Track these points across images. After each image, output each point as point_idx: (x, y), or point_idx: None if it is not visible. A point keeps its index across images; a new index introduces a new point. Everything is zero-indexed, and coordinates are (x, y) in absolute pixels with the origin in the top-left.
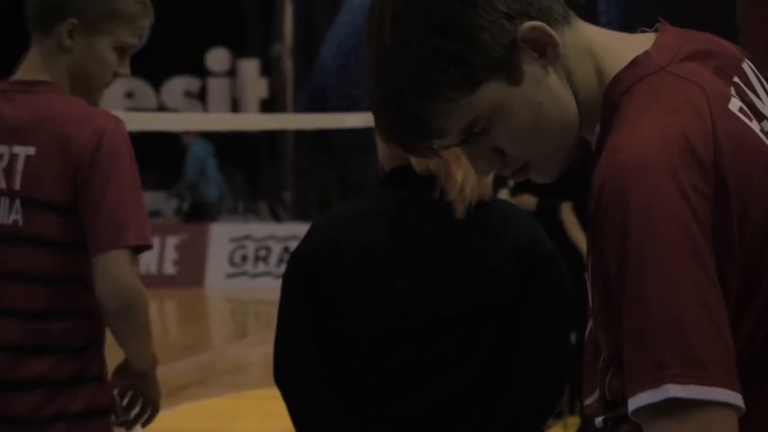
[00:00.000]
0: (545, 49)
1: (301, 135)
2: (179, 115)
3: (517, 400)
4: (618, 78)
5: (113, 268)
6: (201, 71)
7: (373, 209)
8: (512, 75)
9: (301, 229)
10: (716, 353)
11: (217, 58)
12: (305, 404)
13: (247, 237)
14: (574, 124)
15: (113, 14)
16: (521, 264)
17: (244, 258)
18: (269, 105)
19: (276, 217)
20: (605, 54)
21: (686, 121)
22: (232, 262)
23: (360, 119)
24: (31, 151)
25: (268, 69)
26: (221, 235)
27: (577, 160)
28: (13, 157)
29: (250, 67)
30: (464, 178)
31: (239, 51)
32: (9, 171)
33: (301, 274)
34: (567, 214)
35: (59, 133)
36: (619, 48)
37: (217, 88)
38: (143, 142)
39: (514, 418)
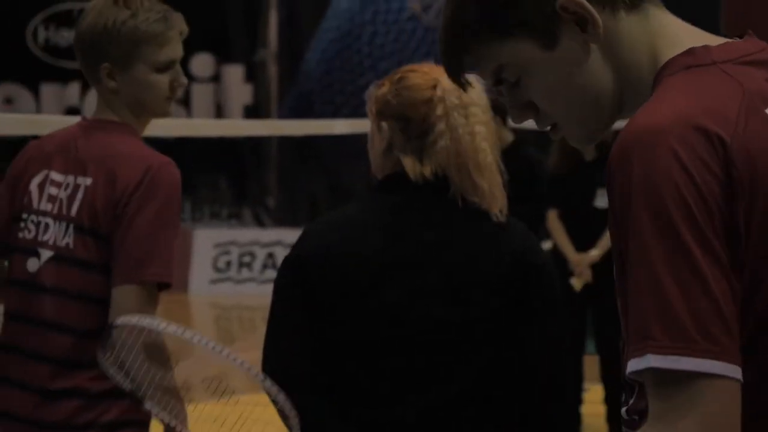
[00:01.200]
0: (586, 26)
1: (285, 141)
2: (167, 120)
3: (510, 405)
4: (669, 63)
5: (124, 302)
6: (185, 76)
7: (367, 215)
8: (546, 40)
9: (285, 234)
10: (706, 324)
11: (201, 63)
12: (298, 410)
13: (231, 243)
14: (604, 103)
15: (137, 43)
16: (514, 271)
17: (228, 264)
18: (253, 111)
19: (260, 223)
20: (668, 42)
21: (709, 106)
22: (216, 268)
23: (348, 126)
24: (89, 182)
25: (253, 74)
26: (205, 240)
27: (561, 168)
28: (76, 186)
29: (234, 72)
30: (491, 185)
31: (223, 56)
32: (71, 198)
33: (294, 279)
34: (552, 221)
35: (111, 169)
36: (685, 39)
37: (201, 93)
38: None
39: (507, 424)
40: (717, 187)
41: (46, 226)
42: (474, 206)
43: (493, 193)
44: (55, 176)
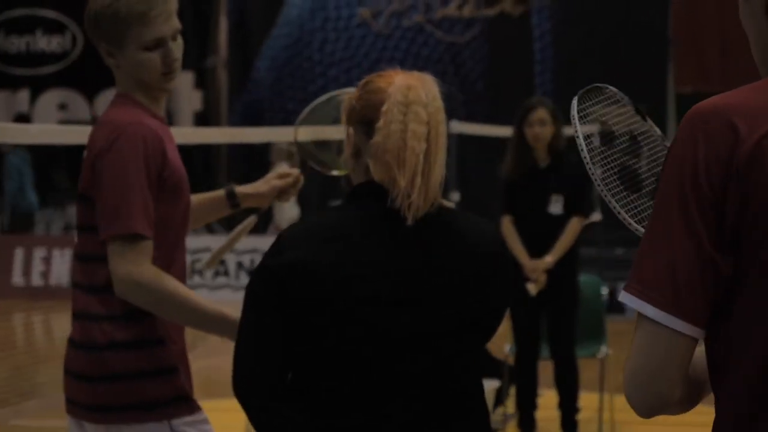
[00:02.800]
0: None
1: (235, 147)
2: None
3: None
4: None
5: (110, 259)
6: (178, 51)
7: (342, 223)
8: None
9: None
10: (666, 279)
11: None
12: (268, 419)
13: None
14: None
15: (123, 24)
16: (485, 266)
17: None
18: (203, 117)
19: (210, 230)
20: None
21: (751, 103)
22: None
23: (303, 133)
24: (85, 153)
25: (203, 81)
26: None
27: (515, 174)
28: (84, 158)
29: (184, 79)
30: (409, 185)
31: None
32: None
33: (269, 287)
34: (506, 227)
35: (92, 136)
36: None
37: None
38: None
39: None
40: (718, 174)
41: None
42: (442, 207)
43: (408, 193)
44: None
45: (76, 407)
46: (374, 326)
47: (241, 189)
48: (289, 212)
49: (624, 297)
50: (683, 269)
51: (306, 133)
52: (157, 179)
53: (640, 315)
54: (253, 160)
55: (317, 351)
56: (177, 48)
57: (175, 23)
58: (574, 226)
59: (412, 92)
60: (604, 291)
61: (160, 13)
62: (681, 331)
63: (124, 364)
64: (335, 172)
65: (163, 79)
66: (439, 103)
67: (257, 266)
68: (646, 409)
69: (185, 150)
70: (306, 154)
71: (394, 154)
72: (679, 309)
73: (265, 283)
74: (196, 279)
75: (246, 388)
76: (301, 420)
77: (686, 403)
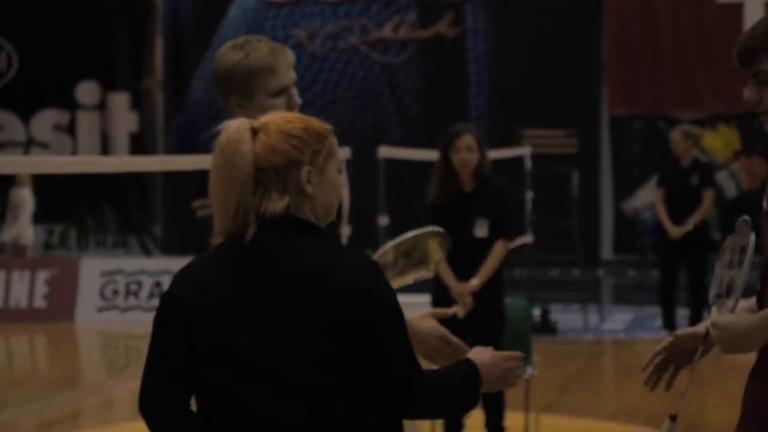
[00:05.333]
0: None
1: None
2: (50, 157)
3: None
4: None
5: None
6: (70, 104)
7: (225, 260)
8: None
9: (171, 263)
10: None
11: (86, 90)
12: None
13: (118, 271)
14: None
15: (255, 75)
16: (349, 306)
17: (115, 292)
18: (139, 139)
19: (147, 252)
20: None
21: None
22: (102, 296)
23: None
24: None
25: (139, 102)
26: (92, 269)
27: (440, 199)
28: None
29: (119, 100)
30: (221, 218)
31: (109, 84)
32: None
33: (169, 315)
34: None
35: None
36: None
37: (86, 121)
38: None
39: None
40: None
41: None
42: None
43: (221, 225)
44: None
45: None
46: (241, 362)
47: None
48: None
49: None
50: None
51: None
52: None
53: None
54: (189, 182)
55: (203, 378)
56: (296, 94)
57: (293, 73)
58: (499, 250)
59: (224, 136)
60: (536, 312)
61: (283, 64)
62: None
63: None
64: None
65: None
66: (243, 147)
67: (161, 294)
68: None
69: (119, 177)
70: None
71: (209, 197)
72: None
73: (162, 309)
74: (131, 300)
75: (148, 405)
76: None
77: None
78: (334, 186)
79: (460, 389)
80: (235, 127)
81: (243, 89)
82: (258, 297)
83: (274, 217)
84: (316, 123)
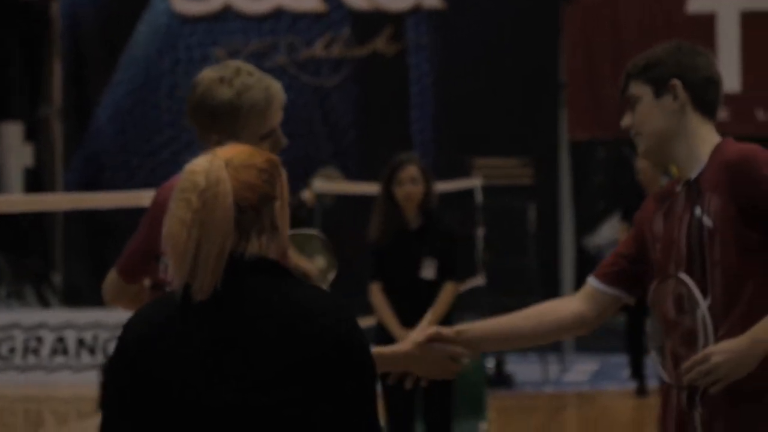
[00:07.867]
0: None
1: (72, 210)
2: None
3: None
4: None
5: None
6: (285, 138)
7: (187, 309)
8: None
9: (75, 316)
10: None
11: None
12: None
13: (13, 325)
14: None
15: (245, 118)
16: (315, 356)
17: (12, 350)
18: (35, 174)
19: (45, 303)
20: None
21: None
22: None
23: (149, 198)
24: None
25: (34, 133)
26: None
27: (382, 239)
28: None
29: (12, 131)
30: (182, 269)
31: (1, 113)
32: None
33: (122, 372)
34: (375, 295)
35: None
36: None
37: None
38: None
39: None
40: None
41: None
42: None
43: (184, 276)
44: None
45: None
46: (201, 407)
47: None
48: None
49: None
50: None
51: None
52: None
53: None
54: (92, 225)
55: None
56: (282, 135)
57: (281, 113)
58: (447, 293)
59: (189, 178)
60: (490, 363)
61: (276, 109)
62: None
63: None
64: None
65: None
66: (224, 187)
67: (114, 347)
68: None
69: (13, 218)
70: None
71: (168, 241)
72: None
73: (115, 366)
74: (31, 359)
75: None
76: None
77: None
78: (287, 219)
79: None
80: (210, 166)
81: (230, 130)
82: (228, 352)
83: (251, 259)
84: (268, 152)
